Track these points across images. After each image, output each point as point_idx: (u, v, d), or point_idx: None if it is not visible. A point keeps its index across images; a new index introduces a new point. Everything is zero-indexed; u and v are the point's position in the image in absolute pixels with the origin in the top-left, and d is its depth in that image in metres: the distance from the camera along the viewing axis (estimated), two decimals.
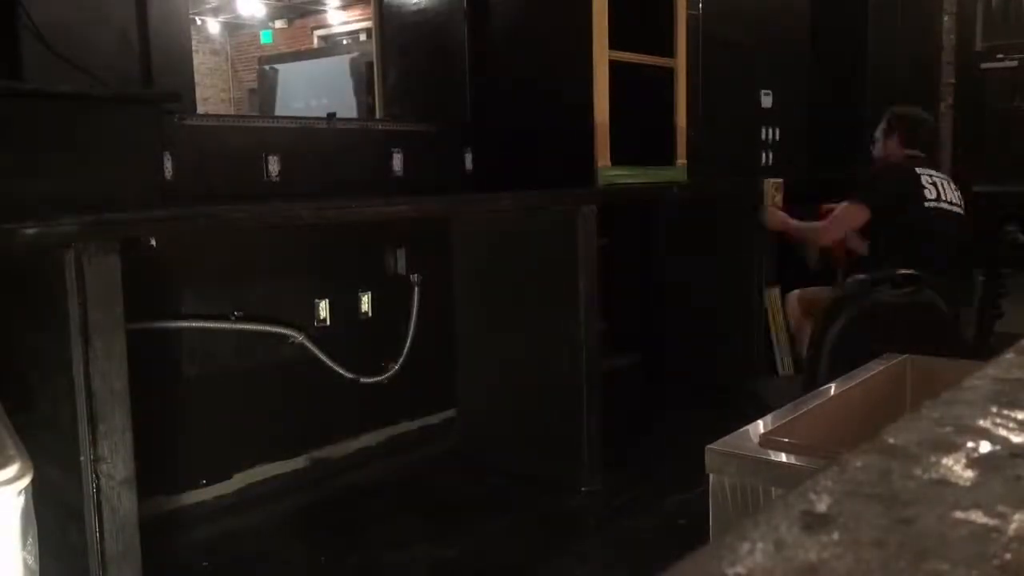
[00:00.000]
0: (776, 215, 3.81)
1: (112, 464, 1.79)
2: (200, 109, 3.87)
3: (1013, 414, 0.54)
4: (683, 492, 2.83)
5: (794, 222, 3.73)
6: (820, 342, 2.92)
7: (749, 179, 3.92)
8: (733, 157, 4.04)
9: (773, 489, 1.31)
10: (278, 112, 6.67)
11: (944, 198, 3.36)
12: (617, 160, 3.19)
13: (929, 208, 3.30)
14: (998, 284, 2.85)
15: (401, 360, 3.23)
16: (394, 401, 3.31)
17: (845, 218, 3.38)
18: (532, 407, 3.12)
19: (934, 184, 3.36)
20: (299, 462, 3.07)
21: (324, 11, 10.80)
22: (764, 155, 4.22)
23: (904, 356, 1.97)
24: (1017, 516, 0.40)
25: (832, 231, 3.47)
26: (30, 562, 1.51)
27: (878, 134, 3.62)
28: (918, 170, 3.36)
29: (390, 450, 3.33)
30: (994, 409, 0.55)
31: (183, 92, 2.56)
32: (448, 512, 2.90)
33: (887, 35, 4.74)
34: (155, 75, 2.47)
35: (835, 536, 0.38)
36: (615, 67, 3.15)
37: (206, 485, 2.83)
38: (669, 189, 3.53)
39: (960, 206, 3.41)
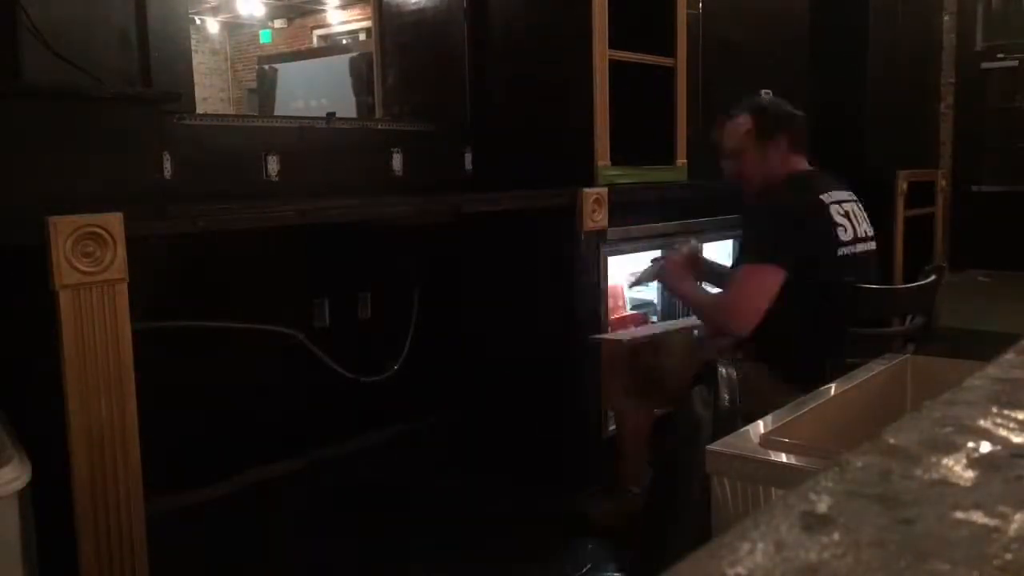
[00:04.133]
0: (677, 271, 2.53)
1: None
2: (199, 109, 3.86)
3: (1013, 414, 0.54)
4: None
5: (692, 289, 2.48)
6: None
7: None
8: None
9: (773, 489, 1.31)
10: (278, 112, 6.66)
11: (859, 234, 2.25)
12: (617, 160, 3.19)
13: (844, 256, 2.19)
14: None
15: (401, 360, 3.23)
16: (394, 401, 3.31)
17: (756, 291, 2.14)
18: (534, 407, 3.11)
19: (846, 215, 2.24)
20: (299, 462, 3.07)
21: (324, 11, 10.78)
22: None
23: (904, 356, 1.97)
24: (1017, 516, 0.40)
25: (742, 314, 2.15)
26: (29, 563, 1.50)
27: (734, 141, 2.40)
28: (823, 196, 2.23)
29: (390, 450, 3.33)
30: (994, 409, 0.55)
31: (182, 92, 2.56)
32: (448, 512, 2.89)
33: (887, 35, 4.74)
34: (154, 75, 2.46)
35: (835, 536, 0.38)
36: (615, 67, 3.15)
37: (206, 485, 2.82)
38: (669, 189, 3.53)
39: (873, 237, 2.32)
